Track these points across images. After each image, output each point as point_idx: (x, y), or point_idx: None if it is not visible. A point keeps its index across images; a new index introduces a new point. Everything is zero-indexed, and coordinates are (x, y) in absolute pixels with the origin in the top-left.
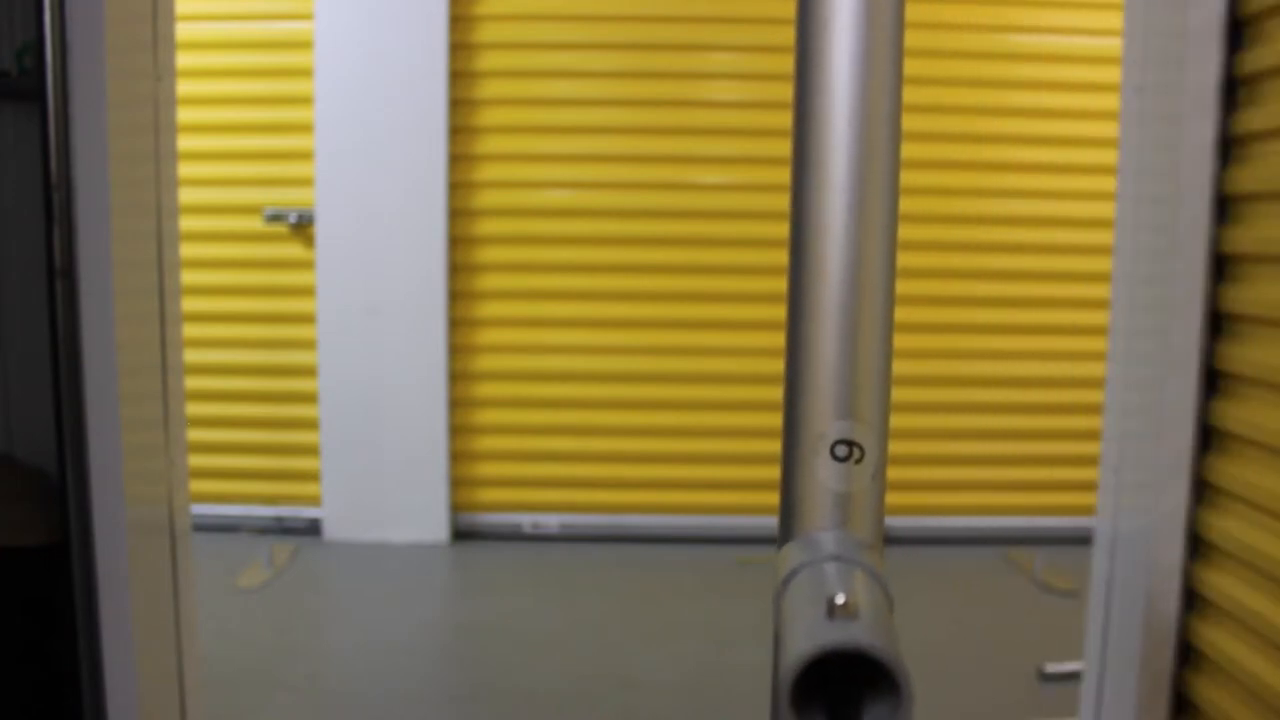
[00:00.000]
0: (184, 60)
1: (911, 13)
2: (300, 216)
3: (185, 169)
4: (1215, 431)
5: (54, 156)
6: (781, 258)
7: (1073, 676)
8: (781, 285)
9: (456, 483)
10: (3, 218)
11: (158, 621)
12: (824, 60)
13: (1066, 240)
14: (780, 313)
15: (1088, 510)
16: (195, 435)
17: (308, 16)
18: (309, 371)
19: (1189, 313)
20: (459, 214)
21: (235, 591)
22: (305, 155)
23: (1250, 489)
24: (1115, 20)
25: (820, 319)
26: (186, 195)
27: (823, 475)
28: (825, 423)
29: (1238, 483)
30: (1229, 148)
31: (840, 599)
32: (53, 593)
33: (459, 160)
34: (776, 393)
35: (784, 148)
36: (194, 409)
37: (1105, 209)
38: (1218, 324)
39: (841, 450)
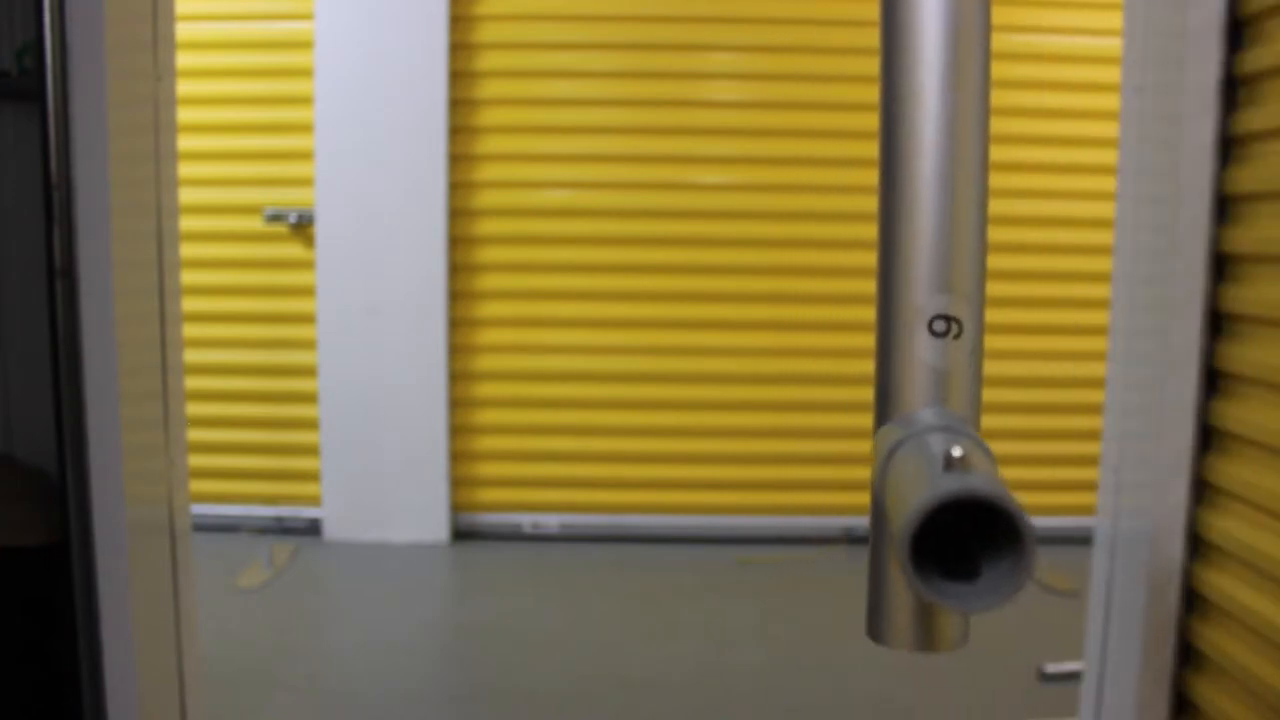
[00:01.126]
0: (184, 60)
1: None
2: (300, 216)
3: (185, 169)
4: (1215, 431)
5: (54, 156)
6: (782, 258)
7: (1073, 676)
8: (781, 285)
9: (456, 483)
10: (3, 218)
11: (158, 621)
12: None
13: (1066, 240)
14: (780, 312)
15: (1088, 510)
16: (195, 435)
17: (308, 16)
18: (309, 371)
19: (1189, 313)
20: (459, 214)
21: (235, 591)
22: (305, 155)
23: (1250, 489)
24: (1115, 20)
25: (916, 192)
26: (186, 195)
27: (920, 351)
28: (922, 297)
29: (1238, 483)
30: (1229, 148)
31: (957, 451)
32: (53, 593)
33: (459, 160)
34: (777, 392)
35: (784, 148)
36: (194, 409)
37: (1105, 209)
38: (1218, 324)
39: (940, 325)
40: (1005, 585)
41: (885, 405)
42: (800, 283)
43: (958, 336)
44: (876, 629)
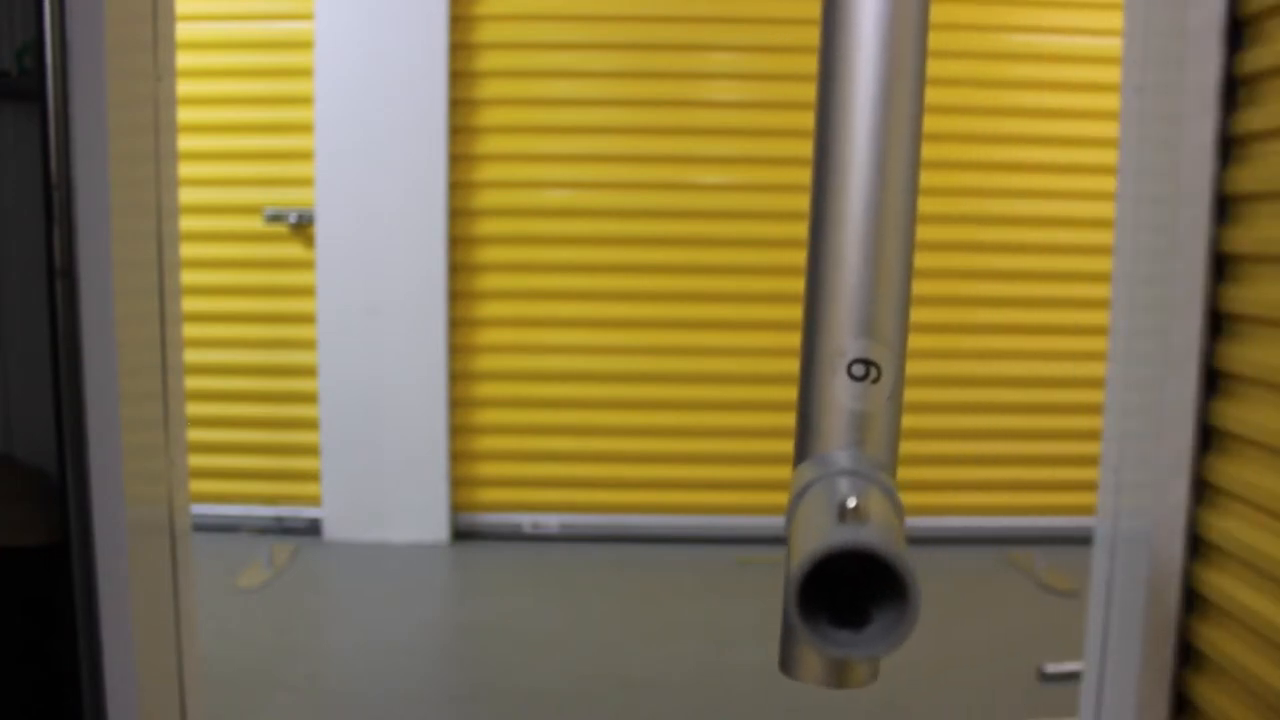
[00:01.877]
0: (184, 60)
1: None
2: (300, 216)
3: (185, 169)
4: (1215, 431)
5: (54, 156)
6: (782, 258)
7: (1073, 676)
8: (781, 285)
9: (456, 483)
10: (3, 218)
11: (158, 621)
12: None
13: (1066, 240)
14: (780, 312)
15: (1088, 510)
16: (195, 435)
17: (308, 16)
18: (309, 371)
19: (1189, 313)
20: (459, 214)
21: (235, 591)
22: (305, 155)
23: (1250, 489)
24: (1115, 20)
25: (841, 236)
26: (186, 195)
27: (839, 394)
28: (843, 341)
29: (1238, 483)
30: (1229, 148)
31: (851, 502)
32: (53, 593)
33: (459, 160)
34: (777, 392)
35: (784, 148)
36: (194, 409)
37: (1105, 209)
38: (1218, 324)
39: (859, 369)
40: (890, 635)
41: (804, 444)
42: (800, 282)
43: (876, 381)
44: (787, 664)
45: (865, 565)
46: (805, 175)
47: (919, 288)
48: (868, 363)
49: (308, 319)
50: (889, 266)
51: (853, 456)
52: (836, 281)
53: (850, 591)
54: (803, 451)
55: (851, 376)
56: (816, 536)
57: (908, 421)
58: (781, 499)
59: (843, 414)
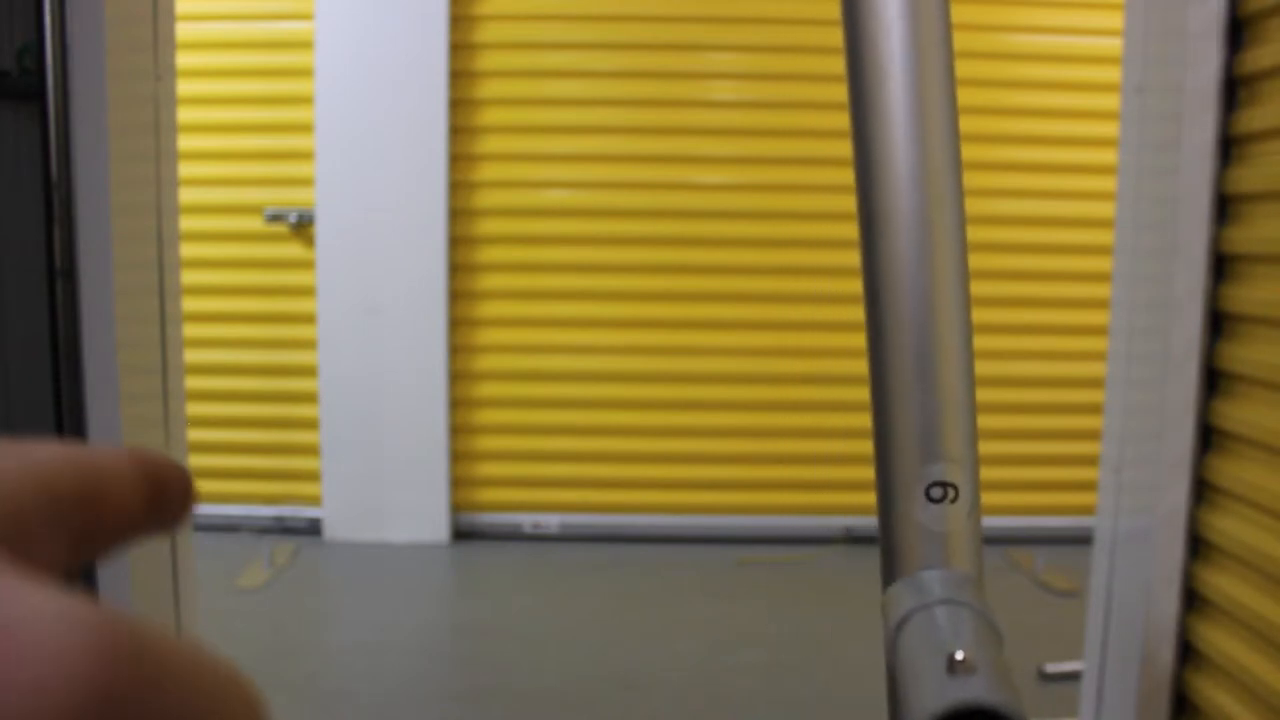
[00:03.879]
0: (184, 60)
1: None
2: (300, 216)
3: (185, 169)
4: (1215, 431)
5: (54, 156)
6: (781, 257)
7: (1073, 676)
8: (781, 285)
9: (456, 483)
10: (3, 218)
11: (158, 621)
12: (882, 117)
13: (1066, 240)
14: (780, 312)
15: (1088, 510)
16: (196, 435)
17: (308, 16)
18: (309, 371)
19: (1189, 312)
20: (459, 214)
21: (235, 591)
22: (305, 155)
23: (1250, 489)
24: (1115, 20)
25: (898, 367)
26: (187, 195)
27: (920, 517)
28: (916, 467)
29: (1238, 483)
30: (1229, 148)
31: (960, 655)
32: None
33: (459, 160)
34: (777, 392)
35: (785, 148)
36: (194, 409)
37: (1106, 209)
38: (1218, 324)
39: (936, 492)
40: None
41: (890, 565)
42: (800, 282)
43: (954, 500)
44: None
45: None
46: (806, 175)
47: None
48: (944, 484)
49: (308, 319)
50: (950, 384)
51: (943, 579)
52: (900, 409)
53: None
54: (890, 572)
55: (930, 499)
56: (931, 693)
57: None
58: (782, 499)
59: (926, 536)
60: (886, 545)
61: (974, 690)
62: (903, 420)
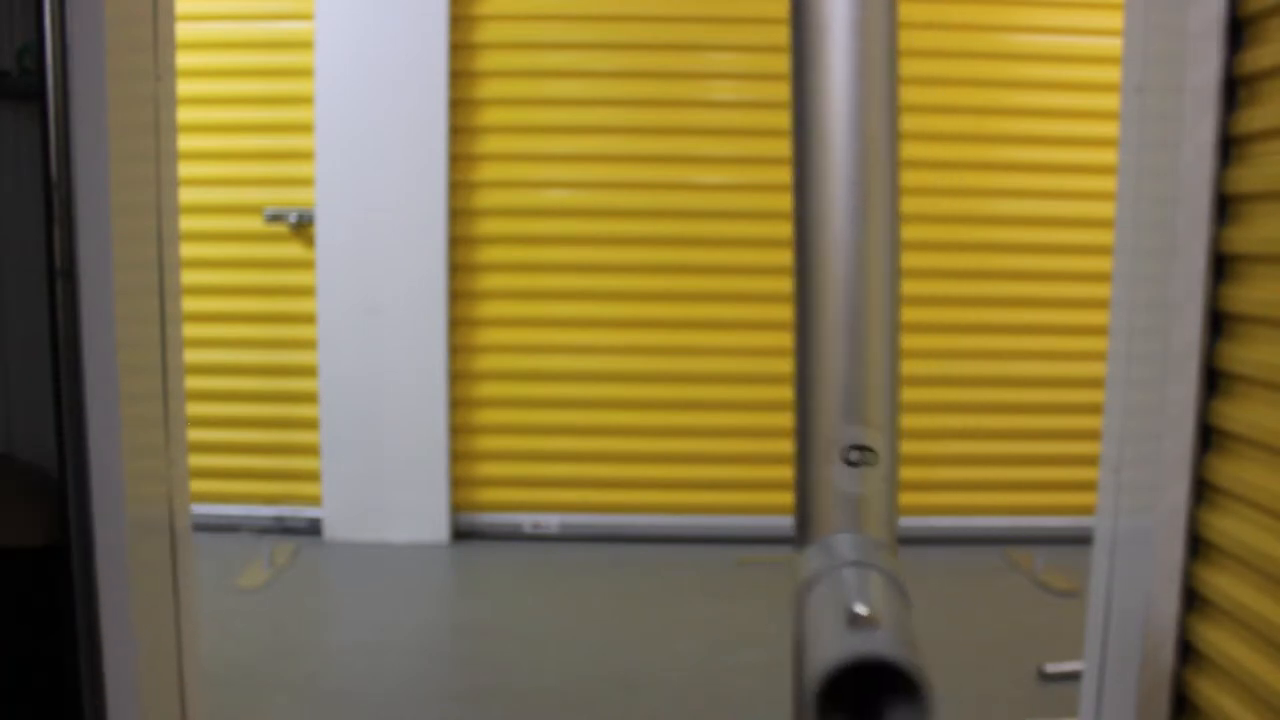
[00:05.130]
0: (184, 60)
1: (913, 13)
2: (300, 216)
3: (185, 169)
4: (1215, 431)
5: (54, 156)
6: (781, 257)
7: (1073, 676)
8: (780, 285)
9: (456, 483)
10: (3, 218)
11: (158, 621)
12: (822, 76)
13: (1066, 240)
14: (780, 312)
15: (1088, 510)
16: (195, 435)
17: (308, 16)
18: (309, 371)
19: (1189, 312)
20: (459, 214)
21: (235, 591)
22: (305, 155)
23: (1250, 489)
24: (1115, 20)
25: (825, 330)
26: (187, 195)
27: (836, 480)
28: (836, 429)
29: (1238, 483)
30: (1229, 148)
31: (861, 610)
32: (53, 593)
33: (459, 160)
34: (776, 392)
35: (784, 148)
36: (194, 409)
37: (1106, 209)
38: (1218, 324)
39: (854, 455)
40: None
41: (805, 529)
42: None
43: (872, 465)
44: None
45: (880, 666)
46: None
47: (919, 287)
48: (862, 448)
49: (308, 319)
50: (874, 353)
51: (855, 542)
52: (823, 373)
53: (868, 685)
54: (804, 536)
55: (847, 463)
56: (830, 645)
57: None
58: (782, 499)
59: (841, 499)
60: (802, 508)
61: (873, 644)
62: (825, 382)
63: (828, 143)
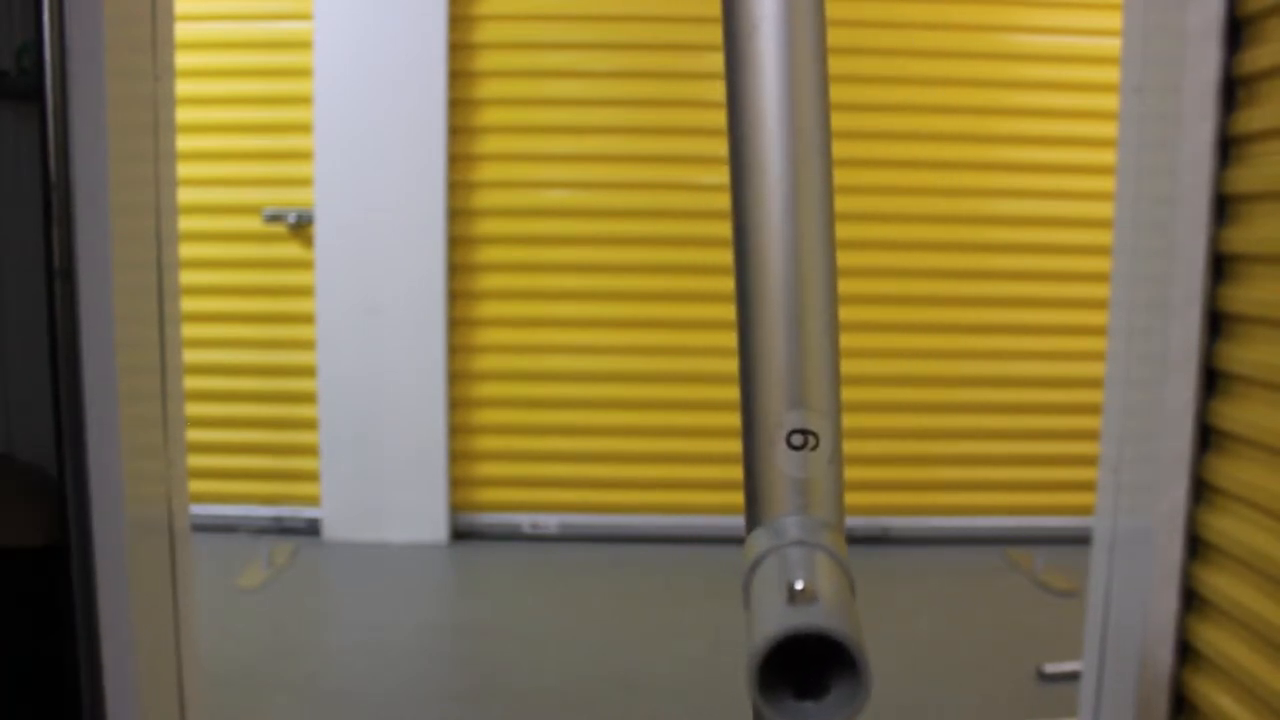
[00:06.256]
0: (184, 60)
1: (913, 13)
2: (299, 216)
3: (185, 169)
4: (1215, 431)
5: (53, 156)
6: None
7: (1073, 676)
8: None
9: (456, 483)
10: (3, 218)
11: (158, 621)
12: (754, 69)
13: (1066, 240)
14: None
15: (1088, 510)
16: (195, 435)
17: (308, 16)
18: (308, 371)
19: (1189, 313)
20: (459, 214)
21: (235, 591)
22: (305, 155)
23: (1250, 489)
24: (1115, 20)
25: (764, 316)
26: (186, 195)
27: (781, 463)
28: (779, 414)
29: (1238, 483)
30: (1229, 148)
31: (799, 584)
32: (52, 593)
33: (459, 160)
34: None
35: None
36: (193, 409)
37: (1105, 209)
38: (1217, 324)
39: (797, 439)
40: (848, 705)
41: (753, 512)
42: None
43: (814, 448)
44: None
45: (820, 640)
46: None
47: (919, 287)
48: (805, 432)
49: (307, 319)
50: (814, 337)
51: (800, 523)
52: (765, 357)
53: (813, 660)
54: (753, 519)
55: (791, 446)
56: (770, 619)
57: (909, 421)
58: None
59: (786, 482)
60: (750, 492)
61: (811, 617)
62: (768, 369)
63: (761, 129)
